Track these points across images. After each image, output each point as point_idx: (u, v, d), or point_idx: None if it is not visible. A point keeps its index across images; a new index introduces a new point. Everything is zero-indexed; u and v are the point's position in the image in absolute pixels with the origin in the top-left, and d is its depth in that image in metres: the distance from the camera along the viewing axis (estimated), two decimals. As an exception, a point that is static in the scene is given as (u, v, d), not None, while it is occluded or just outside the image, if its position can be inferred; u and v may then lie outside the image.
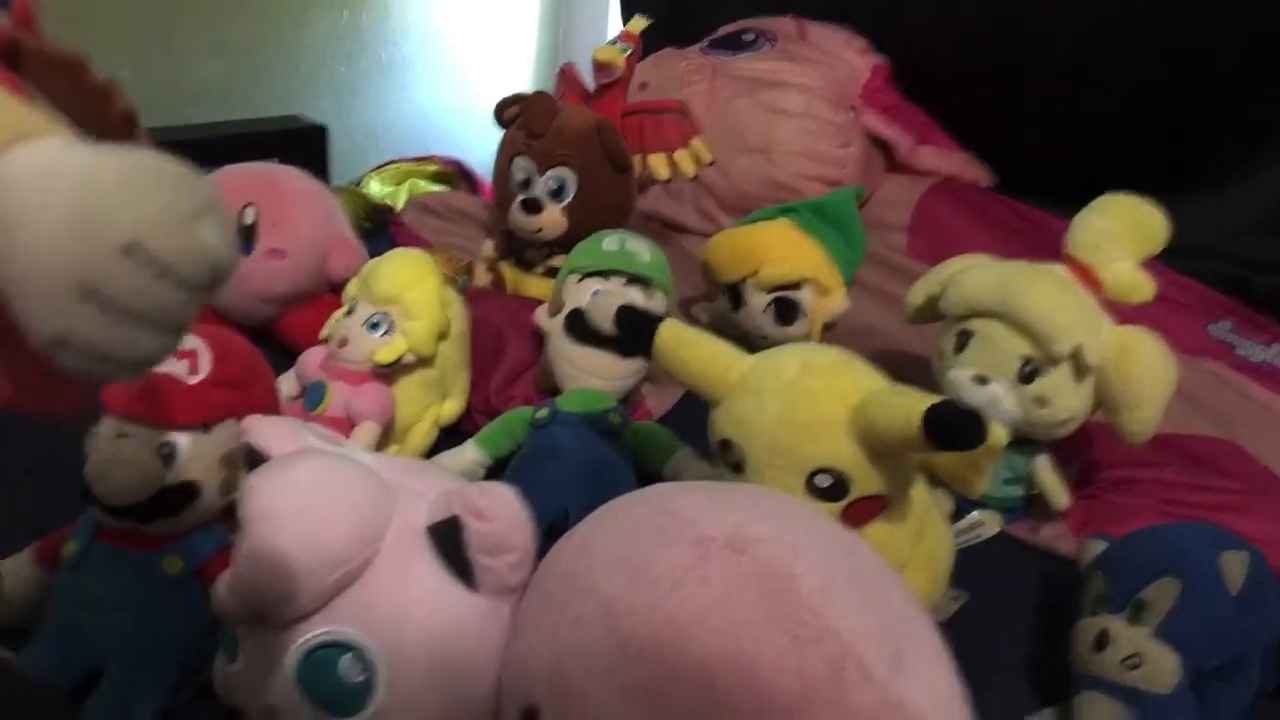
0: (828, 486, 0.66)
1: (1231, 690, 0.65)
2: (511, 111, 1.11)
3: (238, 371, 0.75)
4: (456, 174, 1.81)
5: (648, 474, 0.90)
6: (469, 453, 0.90)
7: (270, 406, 0.78)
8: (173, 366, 0.71)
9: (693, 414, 1.03)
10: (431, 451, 0.94)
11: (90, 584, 0.69)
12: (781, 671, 0.49)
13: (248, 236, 1.05)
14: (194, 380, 0.71)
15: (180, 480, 0.69)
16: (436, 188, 1.75)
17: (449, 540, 0.58)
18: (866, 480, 0.66)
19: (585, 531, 0.59)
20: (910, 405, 0.61)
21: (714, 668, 0.49)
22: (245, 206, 1.05)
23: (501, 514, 0.58)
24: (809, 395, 0.66)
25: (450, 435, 0.97)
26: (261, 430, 0.63)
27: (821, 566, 0.53)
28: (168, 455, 0.69)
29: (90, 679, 0.66)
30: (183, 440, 0.69)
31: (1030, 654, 0.75)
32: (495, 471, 0.90)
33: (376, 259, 0.94)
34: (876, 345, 1.16)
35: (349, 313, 0.92)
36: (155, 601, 0.69)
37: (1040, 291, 0.82)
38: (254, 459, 0.62)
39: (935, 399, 0.61)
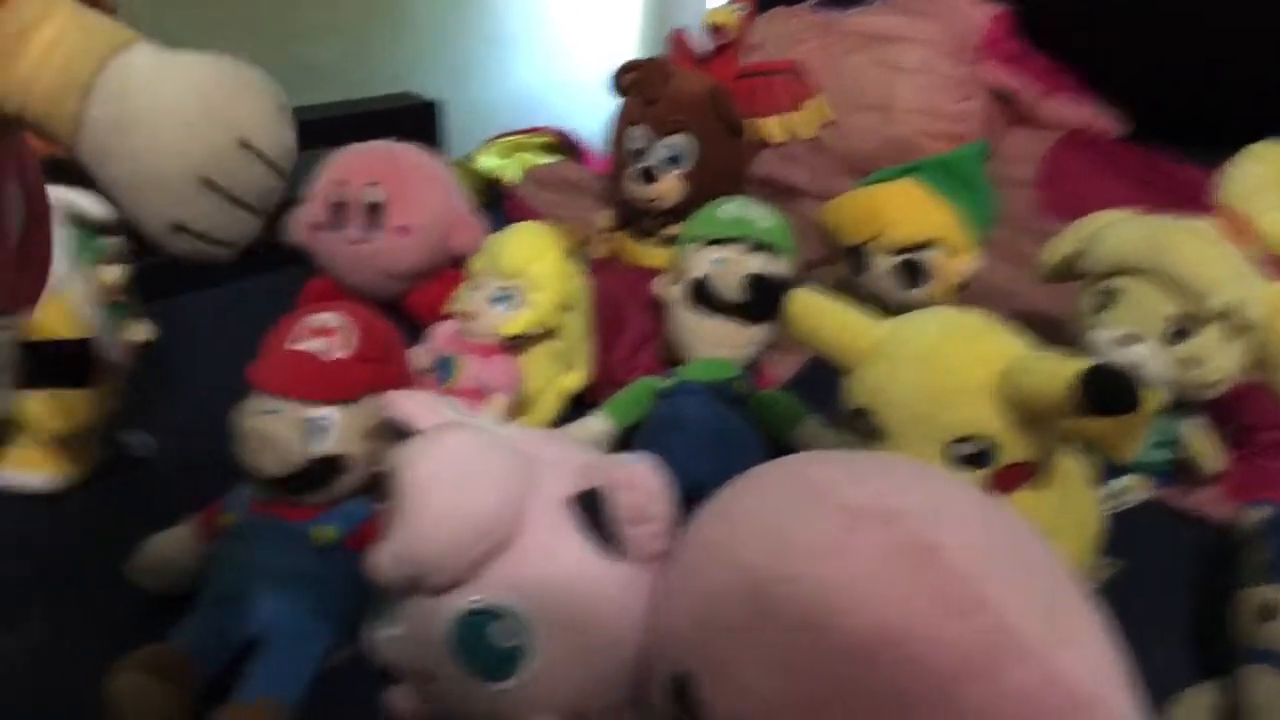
0: (970, 454, 0.65)
1: None
2: (628, 78, 1.11)
3: (378, 347, 0.77)
4: (564, 145, 1.81)
5: (774, 443, 0.89)
6: (596, 423, 0.91)
7: (406, 380, 0.81)
8: (317, 344, 0.74)
9: (816, 382, 1.02)
10: (557, 423, 0.96)
11: (247, 554, 0.72)
12: (935, 645, 0.48)
13: (374, 214, 1.07)
14: (338, 356, 0.74)
15: (328, 454, 0.72)
16: (546, 159, 1.76)
17: (593, 510, 0.59)
18: (1012, 447, 0.64)
19: (725, 500, 0.59)
20: (1061, 369, 0.59)
21: (864, 641, 0.48)
22: (373, 185, 1.08)
23: (644, 484, 0.59)
24: (949, 360, 0.65)
25: (575, 407, 0.98)
26: (405, 405, 0.65)
27: (972, 536, 0.52)
28: (315, 430, 0.71)
29: (249, 646, 0.70)
30: (329, 415, 0.72)
31: (1187, 625, 0.72)
32: (621, 442, 0.90)
33: (500, 233, 0.95)
34: (1004, 307, 1.12)
35: (476, 287, 0.94)
36: (309, 569, 0.72)
37: (1191, 246, 0.78)
38: (398, 433, 0.64)
39: (1087, 362, 0.59)
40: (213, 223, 0.39)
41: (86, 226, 0.88)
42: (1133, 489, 0.84)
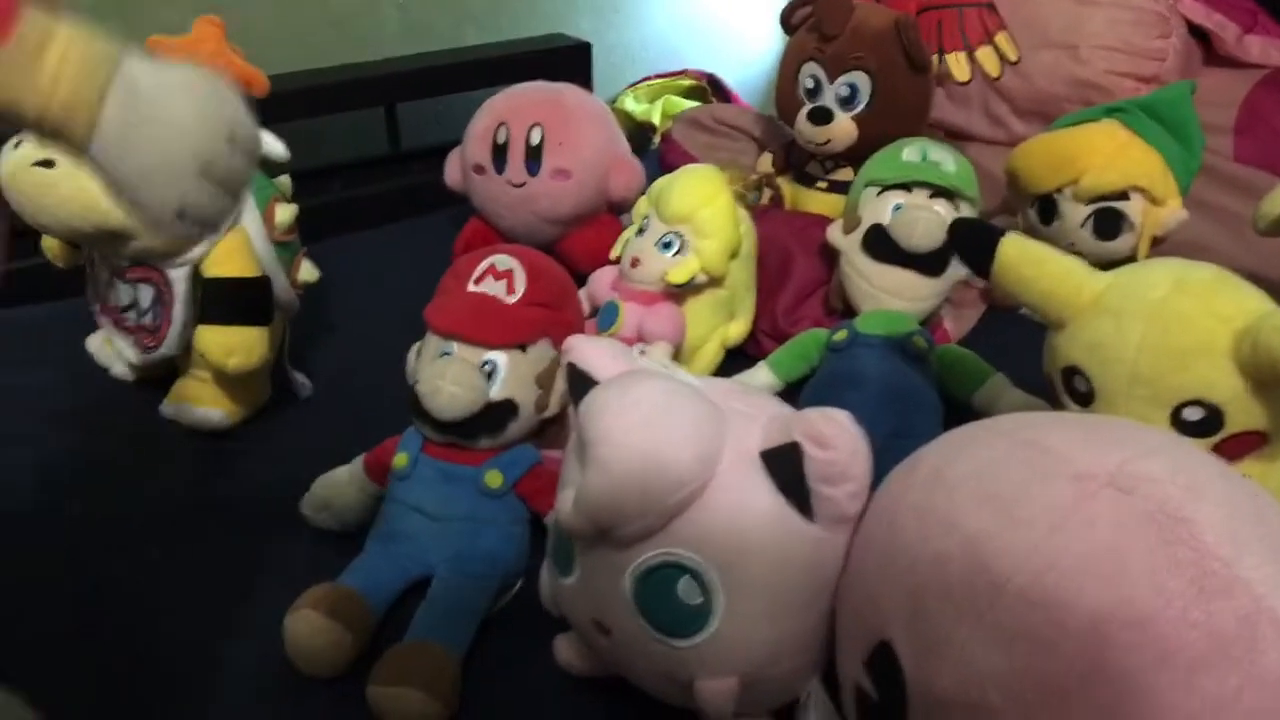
0: (1198, 420, 0.59)
1: None
2: (802, 14, 1.05)
3: (550, 291, 0.75)
4: (709, 87, 1.76)
5: (953, 402, 0.84)
6: (761, 376, 0.88)
7: (579, 325, 0.79)
8: (491, 287, 0.73)
9: (993, 337, 0.96)
10: (718, 374, 0.93)
11: (418, 495, 0.72)
12: (1185, 626, 0.43)
13: (535, 157, 1.05)
14: (511, 300, 0.72)
15: (501, 398, 0.71)
16: (690, 103, 1.72)
17: (787, 467, 0.56)
18: (1245, 413, 0.58)
19: (934, 462, 0.55)
20: (1317, 330, 0.53)
21: (1106, 619, 0.44)
22: (532, 126, 1.06)
23: (844, 443, 0.55)
24: (1182, 317, 0.59)
25: (734, 357, 0.95)
26: (586, 351, 0.63)
27: (1224, 510, 0.47)
28: (489, 373, 0.70)
29: (419, 587, 0.70)
30: (502, 359, 0.71)
31: None
32: (787, 396, 0.87)
33: (667, 177, 0.92)
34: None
35: (640, 232, 0.91)
36: (478, 513, 0.72)
37: None
38: (578, 380, 0.62)
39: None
40: (207, 206, 0.48)
41: (264, 166, 0.89)
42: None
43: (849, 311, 0.91)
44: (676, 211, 0.88)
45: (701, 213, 0.88)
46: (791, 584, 0.56)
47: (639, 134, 1.54)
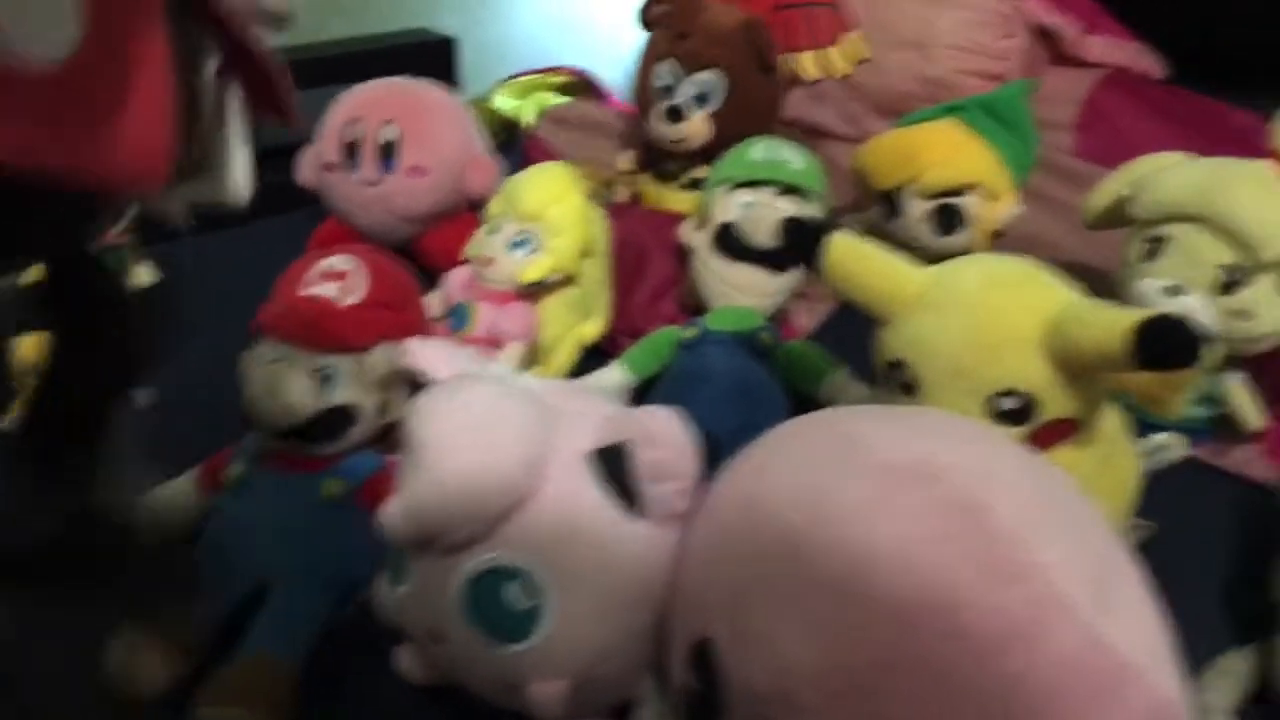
0: (1012, 409, 0.61)
1: None
2: (657, 11, 1.05)
3: (392, 292, 0.74)
4: (582, 84, 1.76)
5: (800, 396, 0.86)
6: (615, 374, 0.88)
7: (421, 327, 0.78)
8: (327, 289, 0.71)
9: (843, 332, 0.99)
10: (574, 373, 0.93)
11: (253, 507, 0.70)
12: (982, 611, 0.45)
13: (389, 154, 1.03)
14: (349, 302, 0.71)
15: (338, 403, 0.69)
16: (562, 99, 1.71)
17: (616, 466, 0.56)
18: (1057, 402, 0.61)
19: (760, 457, 0.56)
20: (1116, 319, 0.55)
21: (908, 606, 0.46)
22: (388, 123, 1.04)
23: (671, 440, 0.56)
24: (995, 310, 0.61)
25: (591, 355, 0.95)
26: (422, 354, 0.62)
27: (1020, 497, 0.49)
28: (325, 378, 0.69)
29: (251, 599, 0.68)
30: (340, 363, 0.69)
31: (1224, 587, 0.70)
32: (640, 393, 0.87)
33: (518, 175, 0.92)
34: (1042, 255, 1.08)
35: (492, 231, 0.90)
36: (316, 523, 0.70)
37: (1248, 193, 0.74)
38: (414, 383, 0.61)
39: (1145, 313, 0.55)
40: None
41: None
42: (1170, 446, 0.81)
43: (703, 308, 0.92)
44: (527, 210, 0.88)
45: (553, 211, 0.88)
46: (621, 583, 0.56)
47: (508, 131, 1.53)
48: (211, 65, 0.43)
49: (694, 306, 0.94)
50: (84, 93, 0.25)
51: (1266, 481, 0.80)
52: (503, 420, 0.54)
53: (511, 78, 1.78)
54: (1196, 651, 0.64)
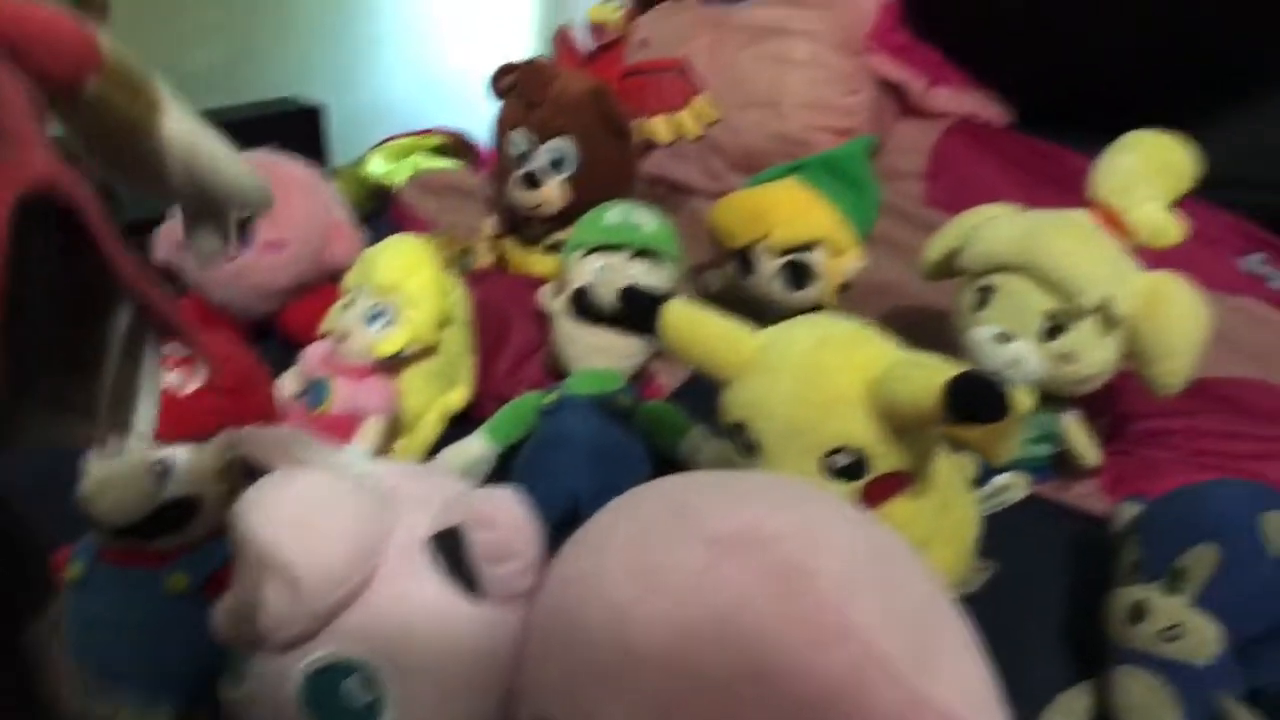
0: (846, 465, 0.63)
1: (1278, 654, 0.62)
2: (507, 81, 1.07)
3: (233, 377, 0.73)
4: (459, 145, 1.77)
5: (662, 455, 0.87)
6: (477, 444, 0.88)
7: (269, 410, 0.77)
8: (168, 377, 0.69)
9: (706, 389, 1.00)
10: (441, 442, 0.92)
11: (94, 605, 0.67)
12: (802, 677, 0.46)
13: (244, 230, 1.02)
14: (187, 390, 0.69)
15: (178, 495, 0.67)
16: (440, 162, 1.71)
17: (452, 550, 0.56)
18: (886, 457, 0.63)
19: (595, 531, 0.56)
20: (929, 378, 0.58)
21: (733, 677, 0.47)
22: (238, 200, 1.02)
23: (505, 520, 0.56)
24: (824, 371, 0.63)
25: (459, 424, 0.95)
26: (256, 442, 0.61)
27: (843, 560, 0.51)
28: (163, 471, 0.67)
29: (94, 700, 0.65)
30: (178, 454, 0.68)
31: (1064, 624, 0.72)
32: (507, 460, 0.87)
33: (372, 248, 0.91)
34: (896, 303, 1.12)
35: (348, 305, 0.90)
36: (161, 620, 0.68)
37: (1064, 243, 0.78)
38: (252, 472, 0.60)
39: (955, 369, 0.58)
40: None
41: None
42: (1013, 486, 0.85)
43: (566, 372, 0.93)
44: (382, 282, 0.87)
45: (408, 283, 0.88)
46: (464, 669, 0.56)
47: (379, 197, 1.52)
48: (124, 314, 0.43)
49: (557, 370, 0.95)
50: None
51: (1104, 516, 0.84)
52: (331, 512, 0.54)
53: (386, 141, 1.78)
54: (1039, 690, 0.67)
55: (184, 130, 0.43)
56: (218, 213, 0.48)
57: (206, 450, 0.69)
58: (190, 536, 0.69)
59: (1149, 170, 0.82)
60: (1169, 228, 0.81)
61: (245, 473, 0.61)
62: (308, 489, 0.54)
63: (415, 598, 0.55)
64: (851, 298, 1.06)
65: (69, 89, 0.38)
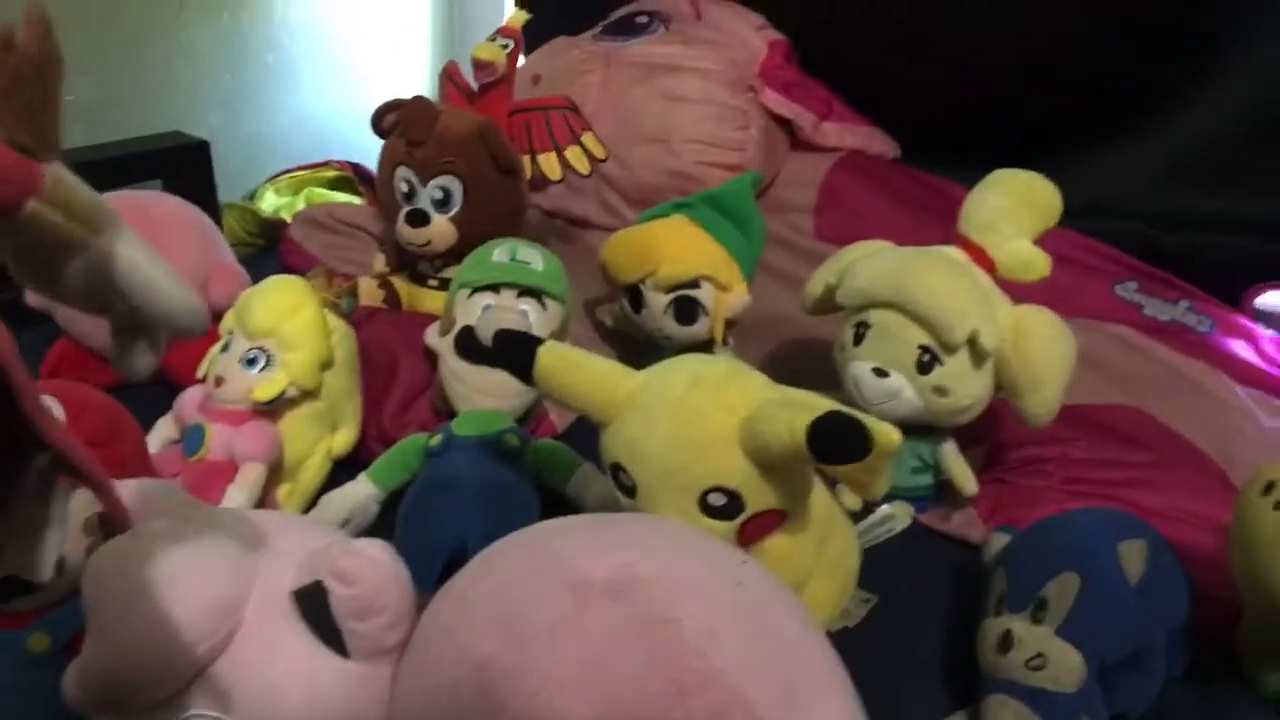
0: (722, 505, 0.64)
1: (1139, 680, 0.64)
2: (390, 119, 1.06)
3: (95, 429, 0.70)
4: (355, 178, 1.74)
5: (552, 494, 0.87)
6: (361, 487, 0.86)
7: (136, 461, 0.74)
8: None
9: (593, 428, 1.00)
10: (327, 486, 0.90)
11: (-46, 669, 0.64)
12: (666, 724, 0.46)
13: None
14: (45, 444, 0.66)
15: (36, 554, 0.64)
16: (335, 195, 1.69)
17: (315, 606, 0.54)
18: (761, 496, 0.64)
19: (460, 583, 0.56)
20: (793, 419, 0.58)
21: (597, 726, 0.46)
22: (112, 241, 0.99)
23: (368, 576, 0.54)
24: (697, 412, 0.64)
25: (347, 467, 0.93)
26: (116, 496, 0.59)
27: (708, 605, 0.51)
28: (20, 529, 0.64)
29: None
30: (35, 511, 0.65)
31: (943, 653, 0.74)
32: (394, 503, 0.86)
33: (249, 290, 0.89)
34: (787, 334, 1.14)
35: (224, 349, 0.87)
36: (22, 682, 0.65)
37: (933, 279, 0.81)
38: (110, 528, 0.58)
39: (821, 409, 0.59)
40: None
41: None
42: (896, 517, 0.86)
43: (453, 412, 0.92)
44: (259, 326, 0.85)
45: (286, 325, 0.86)
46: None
47: (270, 231, 1.49)
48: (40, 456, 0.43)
49: (445, 411, 0.94)
50: None
51: (982, 544, 0.86)
52: (183, 569, 0.52)
53: (279, 175, 1.75)
54: (917, 718, 0.68)
55: (125, 254, 0.45)
56: (151, 332, 0.49)
57: (70, 504, 0.66)
58: (51, 596, 0.66)
59: (1014, 207, 0.85)
60: (1035, 262, 0.84)
61: (105, 528, 0.59)
62: (160, 545, 0.53)
63: (279, 655, 0.54)
64: (744, 330, 1.08)
65: (5, 211, 0.40)
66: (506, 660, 0.49)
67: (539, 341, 0.68)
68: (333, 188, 1.74)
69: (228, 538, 0.56)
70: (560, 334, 0.94)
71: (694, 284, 0.97)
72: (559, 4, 1.51)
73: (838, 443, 0.57)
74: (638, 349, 1.07)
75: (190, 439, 0.86)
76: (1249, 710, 0.69)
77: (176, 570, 0.52)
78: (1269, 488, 0.60)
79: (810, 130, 1.40)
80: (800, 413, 0.59)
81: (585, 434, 0.94)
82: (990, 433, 0.94)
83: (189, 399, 0.89)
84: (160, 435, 0.91)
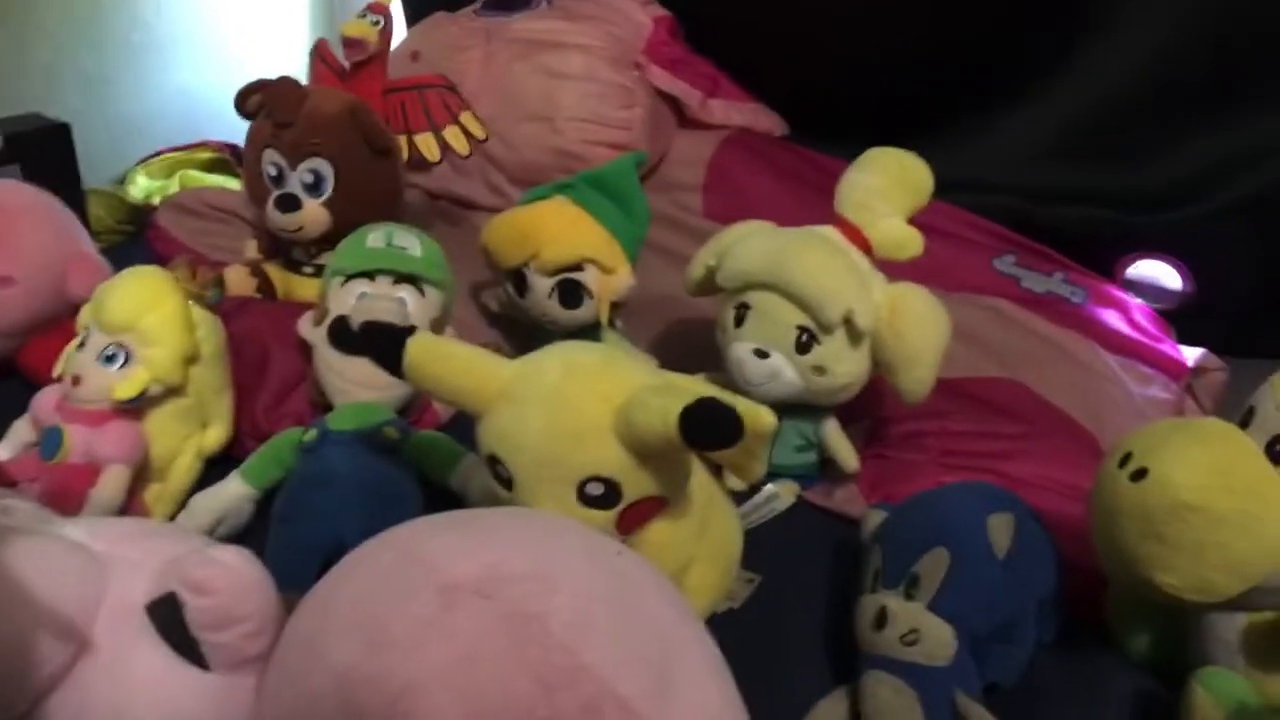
0: (600, 495, 0.63)
1: (1010, 649, 0.66)
2: (254, 101, 1.02)
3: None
4: (232, 159, 1.67)
5: (434, 487, 0.85)
6: (233, 487, 0.83)
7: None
8: None
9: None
10: (200, 485, 0.87)
11: None
12: (535, 722, 0.46)
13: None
14: None
15: None
16: (211, 177, 1.62)
17: (169, 618, 0.52)
18: (638, 484, 0.63)
19: (322, 590, 0.54)
20: (667, 406, 0.58)
21: (463, 729, 0.45)
22: (-42, 235, 0.93)
23: (224, 585, 0.52)
24: (571, 401, 0.63)
25: (221, 465, 0.90)
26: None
27: (579, 598, 0.50)
28: None
29: None
30: None
31: (827, 631, 0.75)
32: (269, 502, 0.83)
33: (106, 283, 0.85)
34: (676, 314, 1.14)
35: (81, 345, 0.83)
36: None
37: (809, 260, 0.81)
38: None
39: (696, 394, 0.58)
40: None
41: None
42: (780, 496, 0.87)
43: (329, 405, 0.89)
44: (117, 321, 0.81)
45: (146, 320, 0.81)
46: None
47: (139, 217, 1.42)
48: None
49: (322, 404, 0.91)
50: None
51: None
52: (17, 589, 0.49)
53: (151, 157, 1.67)
54: (800, 698, 0.69)
55: None
56: None
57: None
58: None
59: (888, 186, 0.86)
60: (908, 240, 0.85)
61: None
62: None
63: (133, 671, 0.51)
64: (633, 310, 1.07)
65: None
66: (368, 667, 0.47)
67: (408, 333, 0.66)
68: (209, 170, 1.66)
69: (71, 552, 0.53)
70: (441, 321, 0.91)
71: (577, 267, 0.96)
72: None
73: (709, 429, 0.57)
74: (524, 333, 1.06)
75: (47, 441, 0.81)
76: (1116, 671, 0.71)
77: (17, 589, 0.49)
78: (1126, 459, 0.62)
79: (697, 108, 1.39)
80: (673, 399, 0.58)
81: (470, 424, 0.93)
82: (871, 409, 0.95)
83: (45, 399, 0.84)
84: (16, 438, 0.86)
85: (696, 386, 0.65)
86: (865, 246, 0.85)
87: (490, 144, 1.23)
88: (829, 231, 0.86)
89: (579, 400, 0.63)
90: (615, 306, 1.00)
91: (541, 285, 0.97)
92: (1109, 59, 1.28)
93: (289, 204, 0.99)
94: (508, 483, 0.66)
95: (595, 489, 0.63)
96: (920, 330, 0.82)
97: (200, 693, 0.52)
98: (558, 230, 0.95)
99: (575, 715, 0.46)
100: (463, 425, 0.93)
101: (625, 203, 0.99)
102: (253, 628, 0.53)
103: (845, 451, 0.89)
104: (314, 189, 0.99)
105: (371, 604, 0.50)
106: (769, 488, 0.87)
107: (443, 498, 0.84)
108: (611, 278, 0.97)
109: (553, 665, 0.47)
